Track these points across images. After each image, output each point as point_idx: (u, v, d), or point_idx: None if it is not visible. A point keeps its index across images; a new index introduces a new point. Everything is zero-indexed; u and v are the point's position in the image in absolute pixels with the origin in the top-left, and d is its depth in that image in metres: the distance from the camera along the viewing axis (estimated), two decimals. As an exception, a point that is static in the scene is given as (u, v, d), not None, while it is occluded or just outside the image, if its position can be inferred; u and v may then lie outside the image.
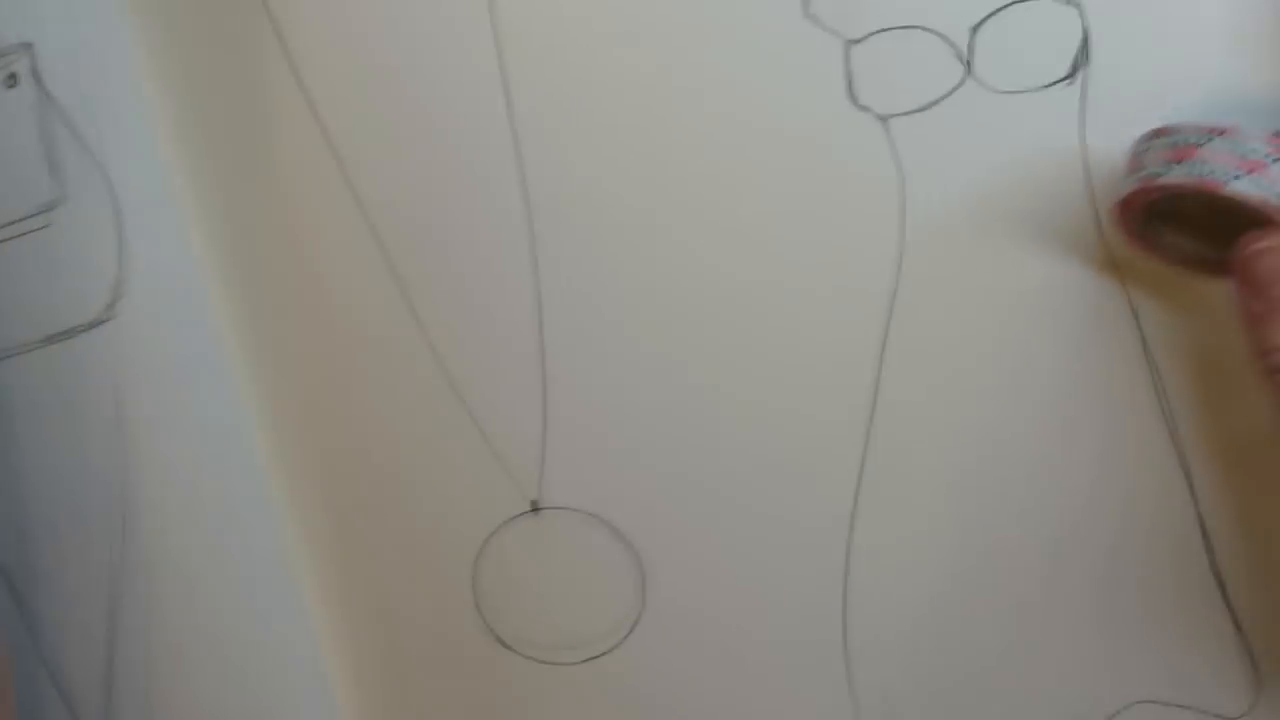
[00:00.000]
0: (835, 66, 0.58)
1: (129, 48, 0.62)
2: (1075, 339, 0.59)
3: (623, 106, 0.60)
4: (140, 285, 0.62)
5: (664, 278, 0.61)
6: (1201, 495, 0.59)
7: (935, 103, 0.58)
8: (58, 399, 0.62)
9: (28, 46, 0.61)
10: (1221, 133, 0.51)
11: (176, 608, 0.64)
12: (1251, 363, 0.52)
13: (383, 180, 0.62)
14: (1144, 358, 0.59)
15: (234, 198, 0.63)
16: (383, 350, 0.63)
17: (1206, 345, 0.54)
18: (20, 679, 0.64)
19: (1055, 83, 0.57)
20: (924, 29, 0.57)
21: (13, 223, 0.61)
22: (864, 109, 0.58)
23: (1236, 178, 0.51)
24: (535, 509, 0.64)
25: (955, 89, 0.58)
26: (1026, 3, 0.56)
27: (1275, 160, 0.51)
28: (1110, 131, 0.55)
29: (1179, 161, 0.52)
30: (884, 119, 0.58)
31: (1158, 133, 0.53)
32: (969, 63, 0.57)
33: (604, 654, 0.65)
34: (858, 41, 0.58)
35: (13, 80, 0.61)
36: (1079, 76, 0.57)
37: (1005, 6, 0.57)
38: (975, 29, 0.57)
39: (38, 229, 0.61)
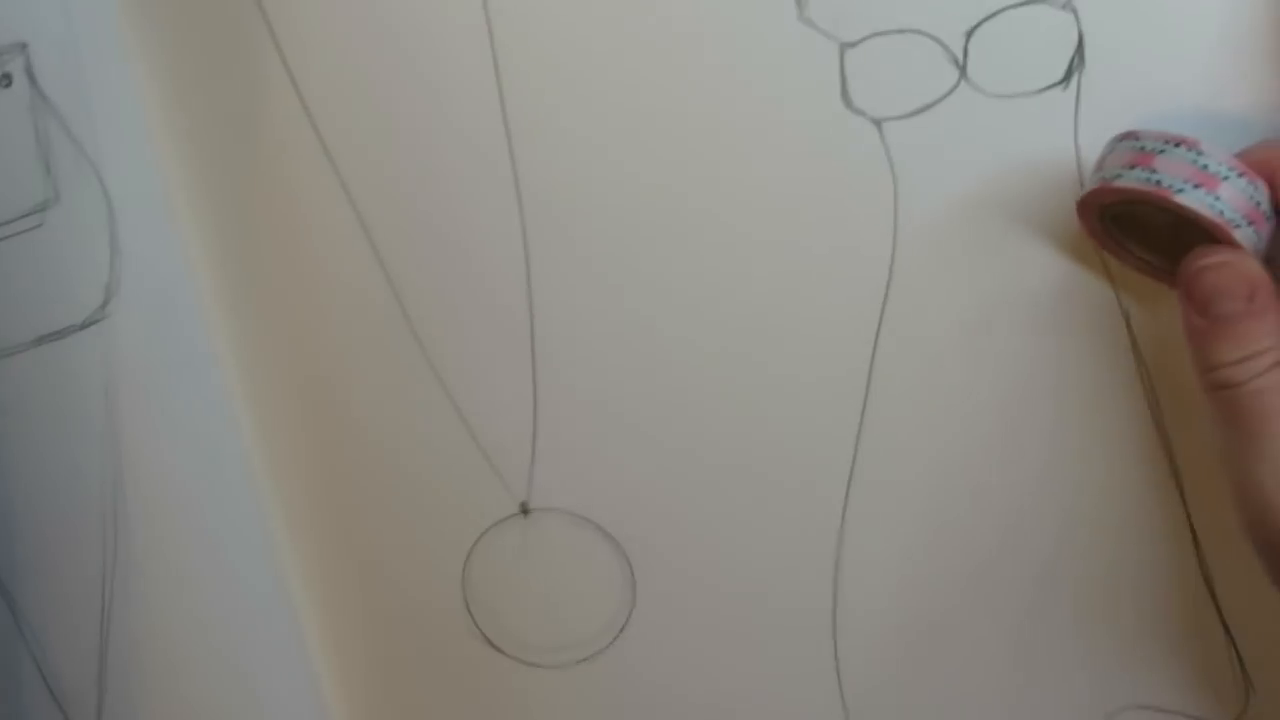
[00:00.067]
0: (830, 70, 0.58)
1: (123, 48, 0.61)
2: (1067, 342, 0.59)
3: (617, 109, 0.59)
4: (132, 286, 0.61)
5: (656, 280, 0.61)
6: (1192, 500, 0.59)
7: (929, 106, 0.57)
8: (49, 399, 0.62)
9: (22, 46, 0.60)
10: (1180, 143, 0.51)
11: (167, 608, 0.63)
12: (1195, 378, 0.53)
13: (376, 182, 0.61)
14: (1135, 362, 0.58)
15: (226, 199, 0.62)
16: (374, 352, 0.63)
17: (1190, 354, 0.53)
18: (11, 680, 0.63)
19: (1050, 87, 0.57)
20: (919, 33, 0.57)
21: (6, 223, 0.61)
22: (859, 112, 0.58)
23: (1183, 189, 0.51)
24: (525, 511, 0.63)
25: (950, 93, 0.57)
26: (1021, 7, 0.56)
27: (1228, 178, 0.51)
28: (1104, 136, 0.54)
29: (1135, 166, 0.52)
30: (878, 122, 0.58)
31: (1125, 136, 0.53)
32: (963, 67, 0.57)
33: (594, 655, 0.64)
34: (853, 45, 0.57)
35: (7, 80, 0.60)
36: (1073, 81, 0.56)
37: (1000, 11, 0.56)
38: (970, 33, 0.56)
39: (30, 229, 0.61)
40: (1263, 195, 0.52)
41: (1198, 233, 0.52)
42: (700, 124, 0.59)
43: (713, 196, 0.59)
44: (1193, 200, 0.51)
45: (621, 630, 0.64)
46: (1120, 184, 0.52)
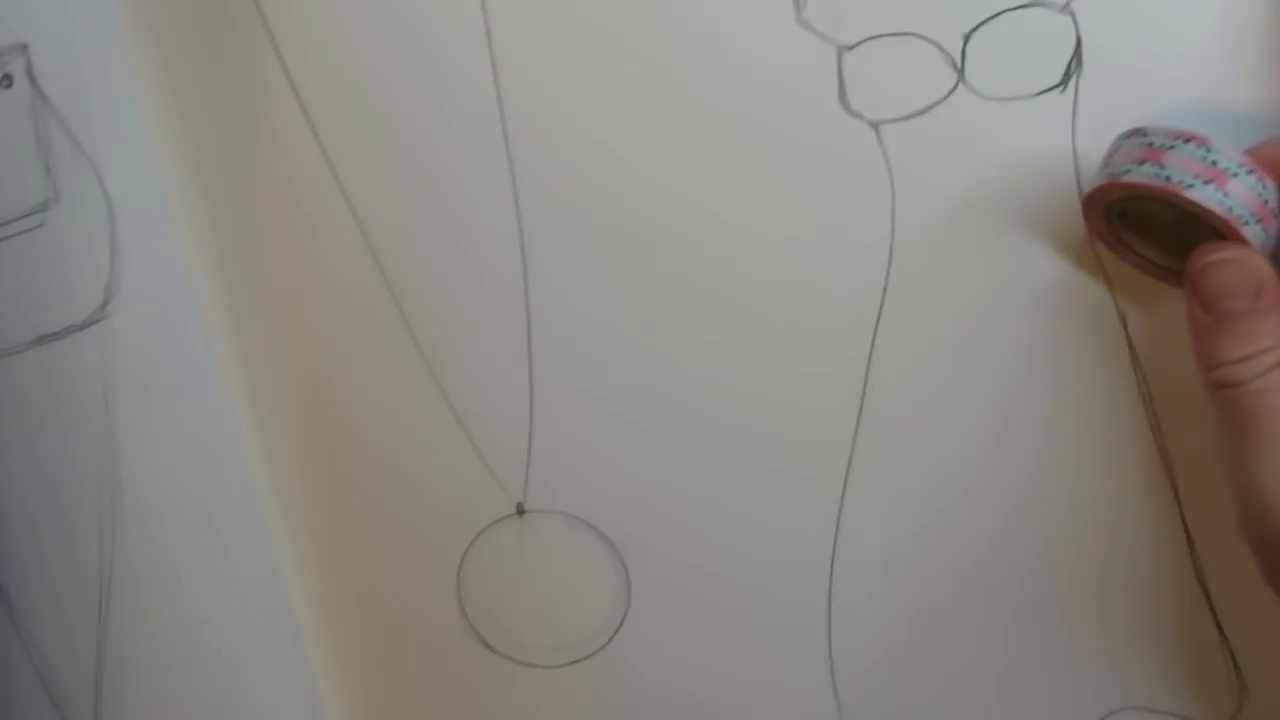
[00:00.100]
0: (828, 72, 0.58)
1: (123, 50, 0.61)
2: (1063, 345, 0.58)
3: (615, 111, 0.59)
4: (132, 286, 0.61)
5: (653, 281, 0.60)
6: (1187, 502, 0.59)
7: (927, 109, 0.57)
8: (48, 399, 0.61)
9: (23, 47, 0.60)
10: (1191, 139, 0.51)
11: (165, 608, 0.62)
12: (1198, 375, 0.52)
13: (374, 183, 0.61)
14: (1131, 364, 0.58)
15: (225, 199, 0.62)
16: (372, 353, 0.63)
17: (1193, 351, 0.53)
18: (9, 681, 0.63)
19: (1047, 90, 0.56)
20: (916, 36, 0.57)
21: (6, 223, 0.60)
22: (856, 115, 0.58)
23: (1193, 185, 0.51)
24: (520, 511, 0.63)
25: (947, 96, 0.57)
26: (1019, 10, 0.56)
27: (1238, 174, 0.51)
28: (1102, 139, 0.54)
29: (1144, 162, 0.52)
30: (876, 125, 0.58)
31: (1133, 133, 0.53)
32: (961, 69, 0.56)
33: (589, 656, 0.64)
34: (850, 48, 0.57)
35: (7, 81, 0.60)
36: (1071, 84, 0.56)
37: (998, 14, 0.56)
38: (968, 36, 0.56)
39: (31, 229, 0.60)
40: (1271, 193, 0.51)
41: (1205, 230, 0.52)
42: (698, 126, 0.59)
43: (710, 199, 0.59)
44: (1202, 196, 0.51)
45: (617, 630, 0.63)
46: (1129, 179, 0.52)
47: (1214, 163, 0.51)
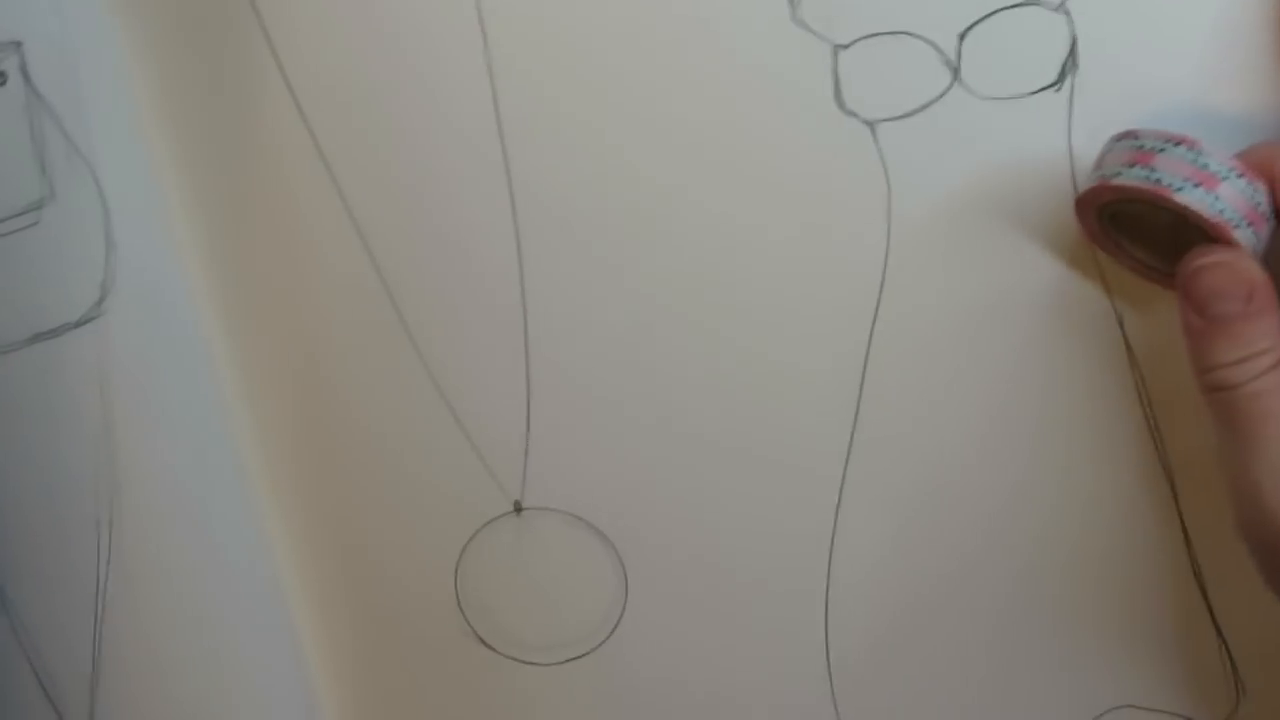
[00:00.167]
0: (823, 71, 0.57)
1: (118, 47, 0.61)
2: (1060, 344, 0.58)
3: (610, 110, 0.59)
4: (127, 284, 0.61)
5: (649, 280, 0.60)
6: (1185, 500, 0.59)
7: (922, 108, 0.57)
8: (44, 396, 0.61)
9: (17, 45, 0.60)
10: (1181, 142, 0.51)
11: (161, 606, 0.62)
12: (1193, 378, 0.52)
13: (369, 181, 0.61)
14: (1129, 363, 0.58)
15: (221, 197, 0.62)
16: (368, 351, 0.62)
17: (1188, 354, 0.53)
18: (5, 680, 0.63)
19: (1043, 89, 0.56)
20: (912, 35, 0.56)
21: (1, 221, 0.60)
22: (851, 114, 0.57)
23: (1183, 188, 0.50)
24: (518, 509, 0.63)
25: (942, 95, 0.57)
26: (1015, 9, 0.55)
27: (1228, 178, 0.50)
28: (1097, 138, 0.54)
29: (1134, 165, 0.52)
30: (871, 124, 0.57)
31: (1124, 135, 0.53)
32: (956, 69, 0.56)
33: (586, 654, 0.64)
34: (845, 47, 0.57)
35: (2, 78, 0.60)
36: (1066, 83, 0.56)
37: (993, 13, 0.56)
38: (963, 35, 0.56)
39: (26, 227, 0.60)
40: (1262, 196, 0.51)
41: (1196, 233, 0.52)
42: (693, 125, 0.58)
43: (705, 197, 0.59)
44: (1192, 199, 0.51)
45: (614, 628, 0.63)
46: (1119, 182, 0.52)
47: (1204, 166, 0.51)
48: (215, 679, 0.63)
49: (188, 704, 0.63)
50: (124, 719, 0.63)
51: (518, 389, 0.62)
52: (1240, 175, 0.51)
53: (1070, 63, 0.56)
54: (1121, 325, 0.58)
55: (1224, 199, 0.51)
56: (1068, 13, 0.55)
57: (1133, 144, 0.52)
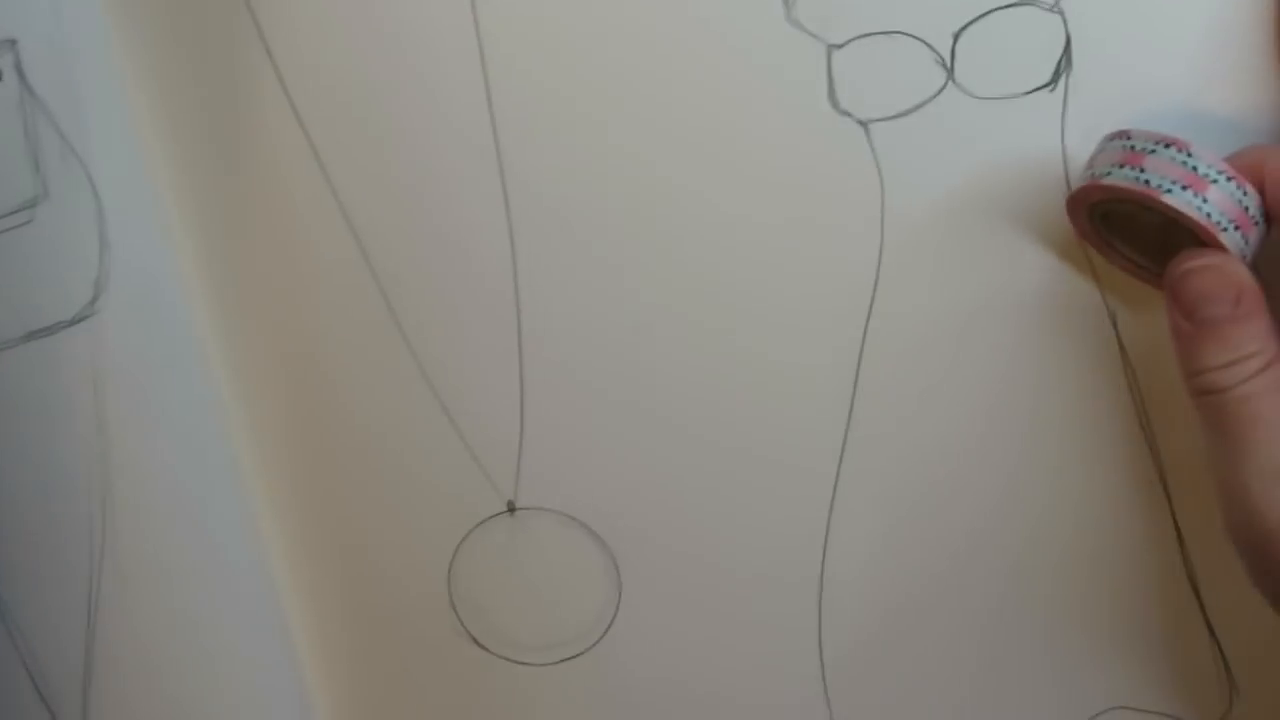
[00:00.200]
0: (817, 71, 0.57)
1: (112, 45, 0.61)
2: (1053, 343, 0.58)
3: (604, 108, 0.59)
4: (121, 282, 0.60)
5: (643, 280, 0.60)
6: (1178, 501, 0.59)
7: (916, 108, 0.57)
8: (38, 395, 0.61)
9: (11, 43, 0.60)
10: (1171, 144, 0.51)
11: (154, 603, 0.62)
12: (1182, 381, 0.52)
13: (363, 180, 0.60)
14: (1122, 363, 0.58)
15: (215, 195, 0.62)
16: (362, 350, 0.62)
17: (1176, 357, 0.53)
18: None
19: (1037, 89, 0.56)
20: (906, 34, 0.56)
21: (-4, 219, 0.60)
22: (845, 114, 0.57)
23: (1171, 190, 0.50)
24: (511, 509, 0.63)
25: (937, 95, 0.57)
26: (1009, 9, 0.55)
27: (1216, 181, 0.50)
28: (1091, 138, 0.54)
29: (1124, 165, 0.52)
30: (865, 124, 0.57)
31: (1116, 135, 0.53)
32: (951, 68, 0.56)
33: (579, 654, 0.64)
34: (840, 46, 0.57)
35: (-3, 76, 0.60)
36: (1061, 83, 0.56)
37: (988, 13, 0.55)
38: (957, 35, 0.56)
39: (20, 225, 0.60)
40: (1251, 200, 0.51)
41: (1185, 235, 0.51)
42: (687, 124, 0.58)
43: (700, 198, 0.59)
44: (1180, 201, 0.51)
45: (608, 628, 0.63)
46: (1108, 182, 0.52)
47: (1193, 168, 0.51)
48: (208, 678, 0.63)
49: (180, 703, 0.63)
50: (117, 718, 0.63)
51: (511, 389, 0.61)
52: (1229, 179, 0.50)
53: (1064, 62, 0.56)
54: (1115, 325, 0.58)
55: (1212, 202, 0.50)
56: (1062, 13, 0.55)
57: (1124, 144, 0.52)
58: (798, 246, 0.59)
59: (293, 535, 0.64)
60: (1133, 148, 0.52)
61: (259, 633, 0.64)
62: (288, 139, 0.60)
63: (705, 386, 0.61)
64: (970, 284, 0.58)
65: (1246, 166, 0.51)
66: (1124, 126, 0.53)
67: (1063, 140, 0.56)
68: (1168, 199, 0.50)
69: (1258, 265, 0.52)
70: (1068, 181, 0.56)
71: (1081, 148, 0.55)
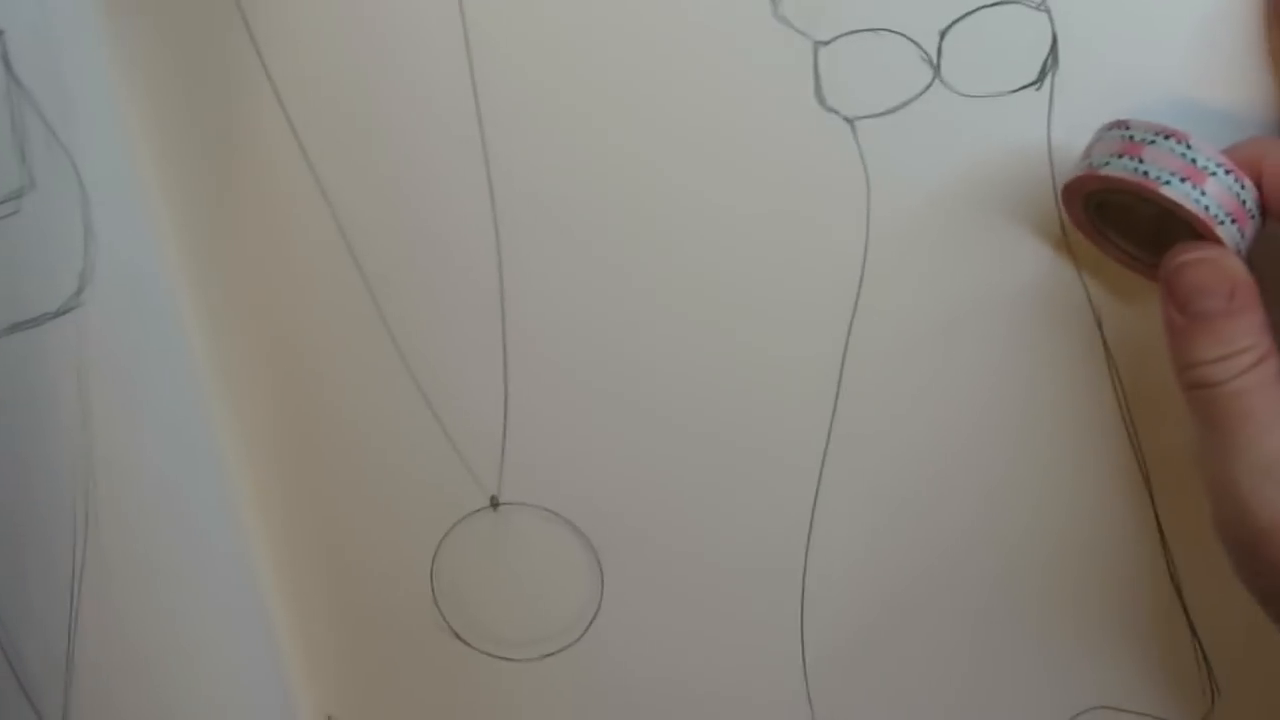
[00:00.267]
0: (804, 68, 0.57)
1: (99, 36, 0.60)
2: (1037, 342, 0.58)
3: (590, 105, 0.58)
4: (106, 273, 0.60)
5: (627, 276, 0.60)
6: (1161, 501, 0.58)
7: (903, 105, 0.56)
8: (22, 387, 0.61)
9: (-1, 33, 0.60)
10: (1171, 135, 0.51)
11: (136, 600, 0.62)
12: (1174, 375, 0.52)
13: (349, 175, 0.60)
14: (1106, 363, 0.58)
15: (201, 188, 0.61)
16: (347, 345, 0.62)
17: (1169, 350, 0.53)
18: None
19: (1023, 87, 0.56)
20: (893, 32, 0.56)
21: (-19, 209, 0.60)
22: (831, 110, 0.57)
23: (1170, 182, 0.50)
24: (495, 505, 0.62)
25: (923, 92, 0.56)
26: (995, 7, 0.55)
27: (1215, 174, 0.50)
28: (1078, 136, 0.53)
29: (1123, 156, 0.51)
30: (851, 121, 0.57)
31: (1114, 125, 0.52)
32: (937, 66, 0.56)
33: (561, 650, 0.64)
34: (826, 43, 0.56)
35: (-17, 66, 0.60)
36: (1047, 81, 0.56)
37: (974, 10, 0.55)
38: (944, 32, 0.55)
39: (5, 216, 0.60)
40: (1249, 194, 0.51)
41: (1181, 227, 0.51)
42: (673, 121, 0.58)
43: (684, 193, 0.58)
44: (1178, 193, 0.50)
45: (590, 624, 0.63)
46: (1107, 172, 0.51)
47: (1192, 160, 0.50)
48: (191, 673, 0.63)
49: (163, 698, 0.62)
50: (98, 712, 0.62)
51: (496, 384, 0.61)
52: (1228, 172, 0.50)
53: (1051, 61, 0.55)
54: (1099, 324, 0.57)
55: (1210, 195, 0.50)
56: (1048, 11, 0.55)
57: (1123, 134, 0.52)
58: (783, 243, 0.58)
59: (276, 529, 0.64)
60: (1131, 138, 0.51)
61: (242, 626, 0.64)
62: (274, 131, 0.60)
63: (689, 382, 0.61)
64: (955, 282, 0.58)
65: (1244, 160, 0.51)
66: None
67: (1049, 138, 0.56)
68: (1166, 191, 0.50)
69: (1252, 260, 0.52)
70: (1054, 179, 0.56)
71: (1068, 146, 0.55)
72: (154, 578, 0.62)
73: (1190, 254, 0.51)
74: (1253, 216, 0.51)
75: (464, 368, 0.61)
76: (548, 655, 0.64)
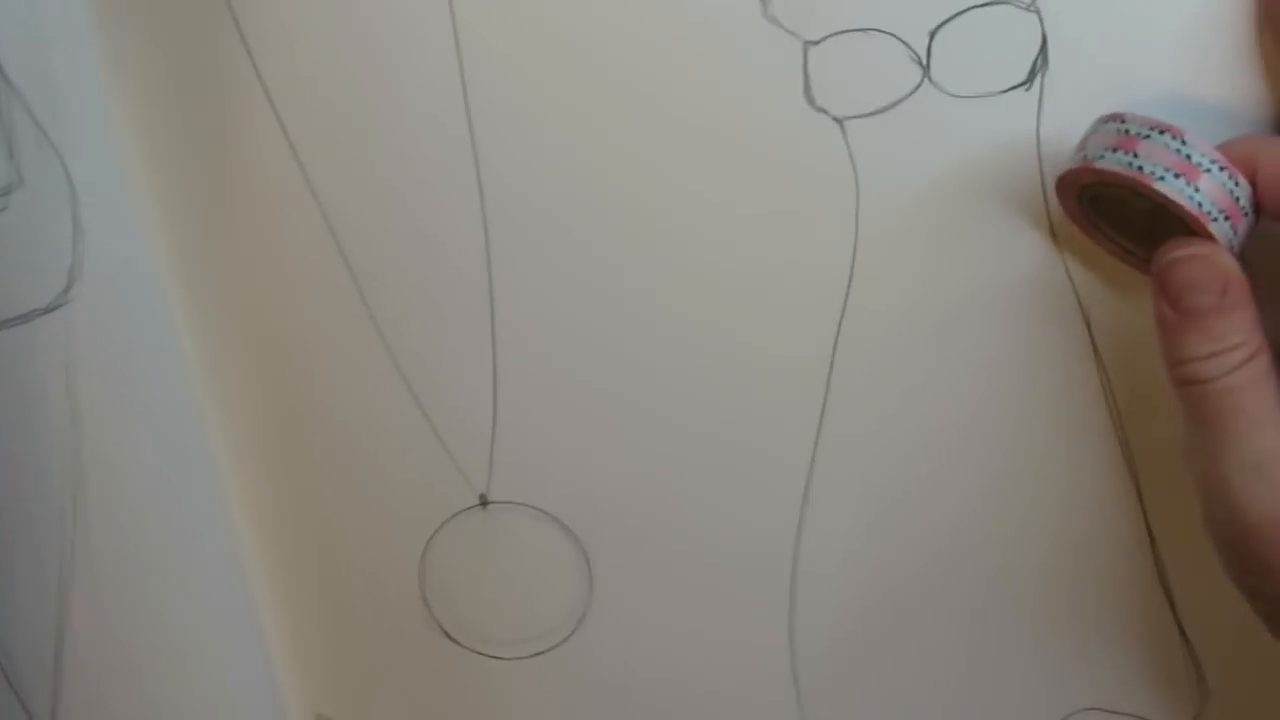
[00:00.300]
0: (793, 67, 0.57)
1: (89, 34, 0.60)
2: (1026, 343, 0.58)
3: (580, 103, 0.58)
4: (95, 271, 0.60)
5: (616, 275, 0.60)
6: (1149, 501, 0.58)
7: (892, 106, 0.56)
8: (10, 384, 0.61)
9: (-13, 31, 0.60)
10: (1166, 130, 0.50)
11: (125, 595, 0.61)
12: (1164, 372, 0.52)
13: (339, 174, 0.60)
14: (1094, 362, 0.58)
15: (191, 185, 0.61)
16: (336, 343, 0.62)
17: (1157, 350, 0.53)
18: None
19: (1013, 88, 0.55)
20: (882, 32, 0.56)
21: (-31, 207, 0.60)
22: (821, 110, 0.57)
23: (1164, 177, 0.50)
24: (484, 503, 0.62)
25: (912, 92, 0.56)
26: (985, 8, 0.55)
27: (1209, 170, 0.50)
28: (1067, 137, 0.53)
29: (1117, 149, 0.51)
30: (841, 121, 0.57)
31: (1111, 118, 0.52)
32: (927, 66, 0.56)
33: (551, 648, 0.63)
34: (816, 43, 0.56)
35: (-28, 64, 0.60)
36: (1037, 82, 0.55)
37: (964, 11, 0.55)
38: (934, 33, 0.55)
39: (-4, 212, 0.60)
40: (1243, 191, 0.51)
41: (1175, 222, 0.51)
42: (662, 121, 0.58)
43: (673, 194, 0.58)
44: (1171, 189, 0.50)
45: (580, 623, 0.63)
46: (1101, 165, 0.51)
47: (1187, 156, 0.50)
48: (180, 671, 0.62)
49: (152, 696, 0.62)
50: (87, 710, 0.62)
51: (485, 382, 0.61)
52: (1222, 168, 0.50)
53: (1041, 61, 0.55)
54: (1089, 324, 0.57)
55: (1204, 191, 0.50)
56: (1038, 11, 0.55)
57: (1118, 128, 0.52)
58: (772, 242, 0.58)
59: (266, 527, 0.64)
60: (1127, 132, 0.51)
61: (231, 623, 0.64)
62: (263, 129, 0.60)
63: (679, 381, 0.60)
64: (944, 282, 0.58)
65: (1238, 156, 0.51)
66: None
67: (1038, 139, 0.56)
68: (1160, 186, 0.50)
69: (1245, 256, 0.52)
70: (1043, 180, 0.56)
71: (1057, 147, 0.55)
72: (143, 575, 0.62)
73: (1182, 250, 0.51)
74: (1246, 214, 0.51)
75: (453, 366, 0.61)
76: (537, 654, 0.64)
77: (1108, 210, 0.54)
